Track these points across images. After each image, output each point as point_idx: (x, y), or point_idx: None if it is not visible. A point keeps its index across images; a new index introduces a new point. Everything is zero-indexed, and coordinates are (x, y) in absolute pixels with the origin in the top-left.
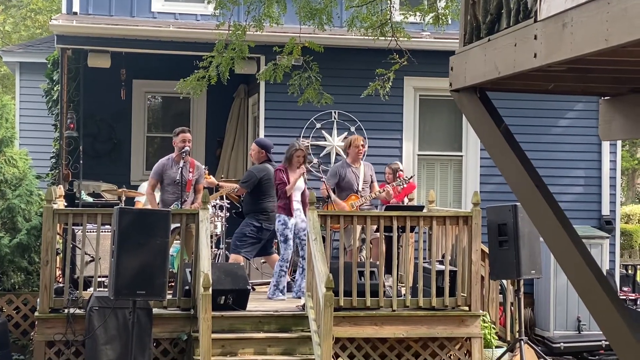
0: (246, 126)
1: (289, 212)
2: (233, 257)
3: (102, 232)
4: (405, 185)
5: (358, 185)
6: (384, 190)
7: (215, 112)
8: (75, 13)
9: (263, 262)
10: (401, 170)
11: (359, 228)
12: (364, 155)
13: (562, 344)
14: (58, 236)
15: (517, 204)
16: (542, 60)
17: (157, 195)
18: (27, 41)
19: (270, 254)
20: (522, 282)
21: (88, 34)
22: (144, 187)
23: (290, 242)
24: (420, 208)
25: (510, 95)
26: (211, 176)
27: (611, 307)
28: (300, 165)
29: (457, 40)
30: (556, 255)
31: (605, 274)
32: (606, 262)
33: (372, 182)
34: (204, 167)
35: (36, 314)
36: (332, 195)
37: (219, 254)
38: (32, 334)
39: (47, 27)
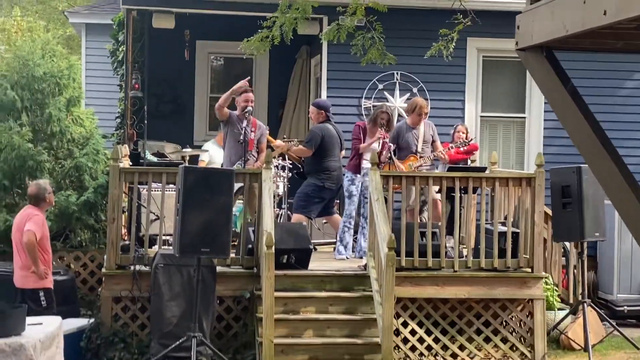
0: (308, 87)
1: (357, 170)
2: (295, 217)
3: (166, 191)
4: (467, 145)
5: (417, 146)
6: (439, 154)
7: (278, 74)
8: None
9: (325, 223)
10: (465, 132)
11: (420, 188)
12: (426, 116)
13: (625, 307)
14: (124, 194)
15: (582, 165)
16: (611, 17)
17: (219, 153)
18: (92, 3)
19: (331, 214)
20: (585, 244)
21: None
22: (208, 145)
23: (355, 199)
24: (483, 169)
25: (577, 56)
26: (278, 140)
27: None
28: (382, 127)
29: (522, 1)
30: (623, 216)
31: None
32: None
33: (433, 141)
34: (266, 127)
35: (103, 270)
36: (393, 157)
37: (282, 214)
38: (99, 290)
39: None
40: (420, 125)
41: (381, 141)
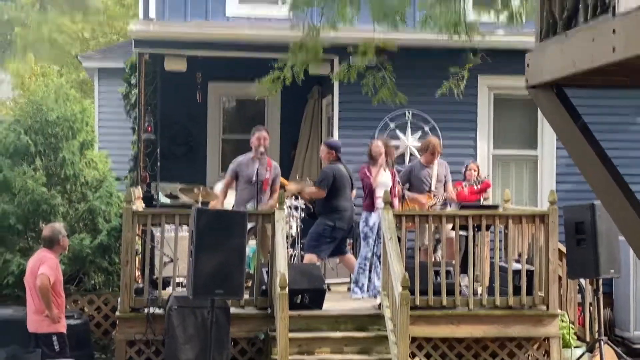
0: (320, 127)
1: (371, 208)
2: (308, 257)
3: (179, 233)
4: (480, 184)
5: (430, 184)
6: (452, 193)
7: (289, 114)
8: (152, 19)
9: (338, 262)
10: (476, 170)
11: (433, 227)
12: (439, 155)
13: None
14: (137, 237)
15: (595, 202)
16: (620, 54)
17: (232, 196)
18: (104, 47)
19: (344, 254)
20: (600, 281)
21: (165, 39)
22: (219, 187)
23: (370, 241)
24: (496, 207)
25: (587, 93)
26: (292, 182)
27: None
28: (380, 156)
29: (531, 39)
30: (637, 252)
31: None
32: None
33: (446, 182)
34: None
35: (117, 313)
36: (407, 193)
37: (295, 255)
38: (113, 333)
39: (124, 33)
40: (434, 164)
41: (387, 171)
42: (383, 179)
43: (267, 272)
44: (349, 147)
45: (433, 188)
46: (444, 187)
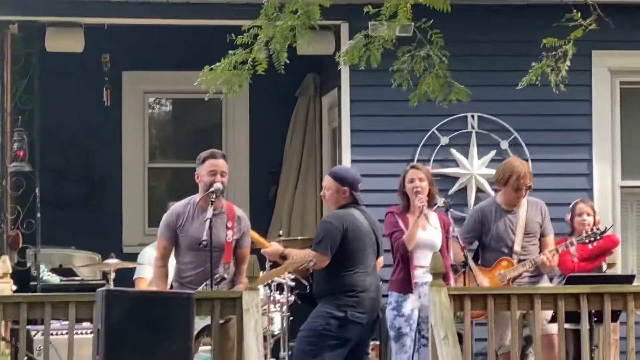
0: (319, 146)
1: (406, 287)
2: None
3: (77, 333)
4: (598, 240)
5: (513, 241)
6: (557, 252)
7: (266, 125)
8: None
9: None
10: (592, 215)
11: (519, 316)
12: (528, 191)
13: None
14: (4, 342)
15: None
16: None
17: (172, 269)
18: None
19: None
20: None
21: None
22: (147, 254)
23: (408, 341)
24: (630, 279)
25: None
26: (273, 243)
27: None
28: (420, 193)
29: None
30: None
31: None
32: None
33: (542, 235)
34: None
35: None
36: (470, 262)
37: None
38: None
39: None
40: (521, 206)
41: (435, 219)
42: (427, 234)
43: None
44: (370, 179)
45: (518, 248)
46: (539, 244)
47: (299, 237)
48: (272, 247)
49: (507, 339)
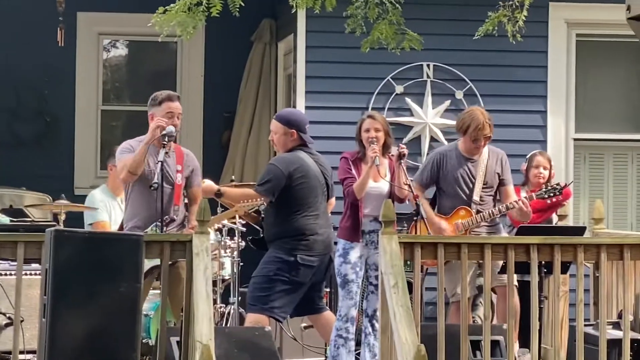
0: (274, 90)
1: (354, 235)
2: (252, 318)
3: (25, 274)
4: (557, 196)
5: (473, 190)
6: (515, 204)
7: (220, 69)
8: None
9: (306, 327)
10: (547, 167)
11: (473, 266)
12: (487, 141)
13: None
14: None
15: None
16: None
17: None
18: None
19: (317, 311)
20: None
21: None
22: (97, 198)
23: (354, 287)
24: (580, 230)
25: None
26: (206, 180)
27: None
28: (372, 143)
29: None
30: None
31: None
32: None
33: (501, 184)
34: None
35: None
36: (425, 209)
37: (230, 313)
38: None
39: None
40: (482, 155)
41: (386, 168)
42: (378, 183)
43: (178, 342)
44: (323, 125)
45: (477, 197)
46: (500, 194)
47: (252, 182)
48: (206, 183)
49: (458, 288)
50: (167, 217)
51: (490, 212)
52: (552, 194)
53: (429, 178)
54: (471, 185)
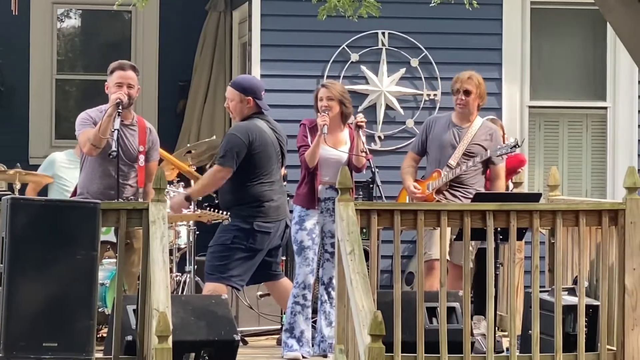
0: (229, 59)
1: (310, 202)
2: (210, 286)
3: None
4: (510, 154)
5: (451, 155)
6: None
7: (175, 38)
8: None
9: (262, 295)
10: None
11: (434, 232)
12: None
13: None
14: None
15: None
16: None
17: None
18: None
19: (273, 279)
20: None
21: None
22: (57, 159)
23: (310, 254)
24: (536, 197)
25: None
26: (172, 194)
27: None
28: (324, 112)
29: None
30: None
31: None
32: None
33: (491, 162)
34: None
35: None
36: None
37: (186, 282)
38: None
39: None
40: (472, 124)
41: (345, 134)
42: (334, 151)
43: (134, 311)
44: (279, 94)
45: (453, 162)
46: (489, 173)
47: (206, 139)
48: (175, 199)
49: (434, 248)
50: (126, 185)
51: (454, 171)
52: (504, 152)
53: (419, 143)
54: (452, 150)
